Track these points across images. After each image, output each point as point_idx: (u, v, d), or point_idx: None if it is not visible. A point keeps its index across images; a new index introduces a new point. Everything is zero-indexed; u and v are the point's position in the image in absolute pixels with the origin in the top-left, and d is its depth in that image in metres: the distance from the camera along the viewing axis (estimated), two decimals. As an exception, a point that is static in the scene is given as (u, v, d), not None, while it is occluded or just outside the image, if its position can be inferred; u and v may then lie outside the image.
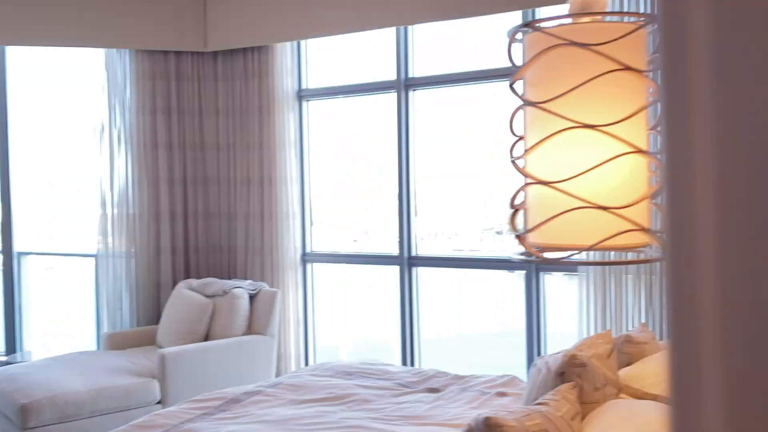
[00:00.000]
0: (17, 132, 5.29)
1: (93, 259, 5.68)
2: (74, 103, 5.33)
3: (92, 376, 3.82)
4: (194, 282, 4.72)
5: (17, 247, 5.33)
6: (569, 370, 2.10)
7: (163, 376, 3.92)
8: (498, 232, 4.84)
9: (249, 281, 4.66)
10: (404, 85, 4.64)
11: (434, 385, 3.06)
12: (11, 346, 4.97)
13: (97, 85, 4.98)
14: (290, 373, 3.37)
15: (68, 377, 3.76)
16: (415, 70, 4.67)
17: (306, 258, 5.06)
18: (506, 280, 4.88)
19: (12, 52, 5.12)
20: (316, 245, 5.14)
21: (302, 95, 5.04)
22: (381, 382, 3.09)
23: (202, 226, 5.13)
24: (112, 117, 4.96)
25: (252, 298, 4.49)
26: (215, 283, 4.58)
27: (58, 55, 5.27)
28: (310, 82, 5.11)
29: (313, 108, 5.13)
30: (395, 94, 4.67)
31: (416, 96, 4.68)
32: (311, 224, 5.14)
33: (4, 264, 4.94)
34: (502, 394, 2.89)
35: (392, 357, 4.72)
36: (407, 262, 4.66)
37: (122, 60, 4.97)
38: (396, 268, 4.68)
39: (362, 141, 5.13)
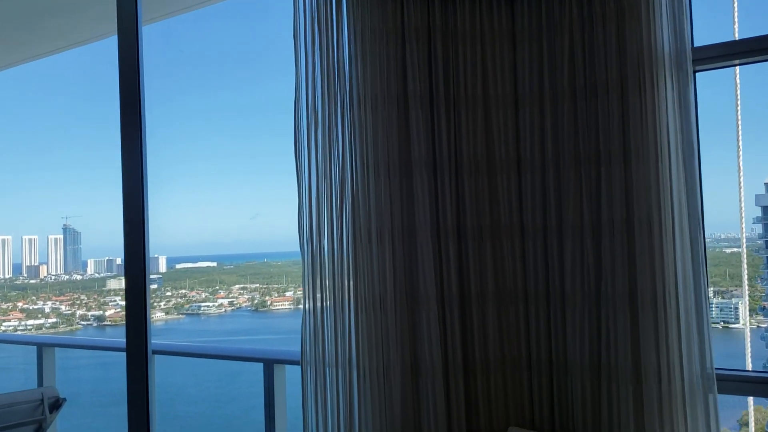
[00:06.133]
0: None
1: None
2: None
3: None
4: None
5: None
6: None
7: None
8: None
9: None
10: None
11: None
12: None
13: (289, 59, 2.67)
14: None
15: None
16: None
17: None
18: None
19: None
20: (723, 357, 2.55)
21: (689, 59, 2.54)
22: None
23: (493, 312, 2.64)
24: (324, 109, 2.60)
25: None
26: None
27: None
28: (699, 37, 2.61)
29: (703, 81, 2.60)
30: None
31: None
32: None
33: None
34: None
35: None
36: None
37: (334, 12, 2.65)
38: None
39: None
